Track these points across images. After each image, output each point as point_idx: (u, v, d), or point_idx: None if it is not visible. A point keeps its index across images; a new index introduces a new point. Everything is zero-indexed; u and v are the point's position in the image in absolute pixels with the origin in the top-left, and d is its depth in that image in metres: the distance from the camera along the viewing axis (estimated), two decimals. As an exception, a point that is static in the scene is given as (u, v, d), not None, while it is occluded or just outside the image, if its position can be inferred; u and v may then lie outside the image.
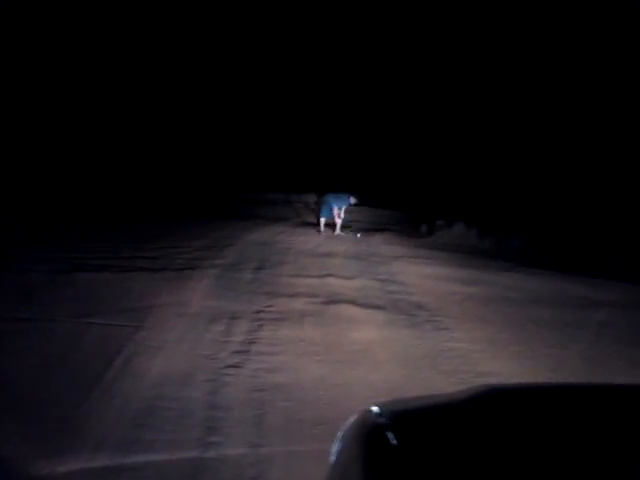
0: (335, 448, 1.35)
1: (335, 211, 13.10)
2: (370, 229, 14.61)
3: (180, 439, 3.04)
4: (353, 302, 6.42)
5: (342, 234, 13.08)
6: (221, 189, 18.77)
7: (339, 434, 1.35)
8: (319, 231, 13.13)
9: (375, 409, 1.33)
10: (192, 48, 21.34)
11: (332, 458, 1.34)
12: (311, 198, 19.40)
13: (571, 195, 17.23)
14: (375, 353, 4.77)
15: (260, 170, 22.07)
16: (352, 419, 1.36)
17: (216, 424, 3.24)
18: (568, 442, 1.21)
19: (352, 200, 13.20)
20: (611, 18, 15.18)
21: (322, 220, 13.32)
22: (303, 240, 11.49)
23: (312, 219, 15.31)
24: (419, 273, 8.73)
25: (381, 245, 11.93)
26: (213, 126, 22.25)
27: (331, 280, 7.61)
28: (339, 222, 13.28)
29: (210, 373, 3.99)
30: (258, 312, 5.69)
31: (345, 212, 13.33)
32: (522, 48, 19.21)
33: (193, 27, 21.42)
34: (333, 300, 6.42)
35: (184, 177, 19.44)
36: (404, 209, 19.38)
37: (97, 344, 4.35)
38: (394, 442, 1.15)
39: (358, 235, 13.22)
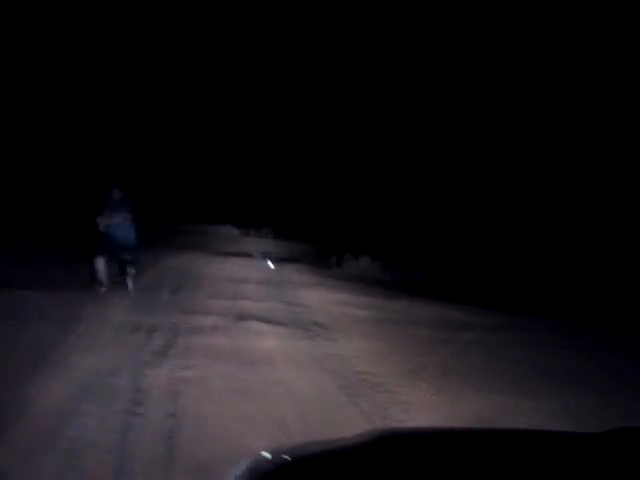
0: None
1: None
2: (283, 259, 15.65)
3: (111, 410, 3.85)
4: (261, 319, 7.36)
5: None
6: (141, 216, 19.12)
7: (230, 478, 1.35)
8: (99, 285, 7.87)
9: (266, 455, 1.33)
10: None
11: None
12: (226, 229, 20.25)
13: (472, 235, 19.04)
14: (274, 357, 5.73)
15: (180, 201, 22.66)
16: (244, 464, 1.33)
17: (139, 401, 4.06)
18: None
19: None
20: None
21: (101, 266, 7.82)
22: (219, 267, 12.31)
23: (229, 248, 16.17)
24: (322, 298, 9.82)
25: (292, 274, 12.97)
26: (134, 154, 22.63)
27: (243, 302, 8.52)
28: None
29: (133, 368, 4.78)
30: (174, 325, 6.49)
31: (261, 244, 14.17)
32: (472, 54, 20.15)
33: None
34: (243, 317, 7.33)
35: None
36: (316, 242, 20.67)
37: (37, 345, 5.02)
38: None
39: (271, 265, 14.20)
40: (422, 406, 4.79)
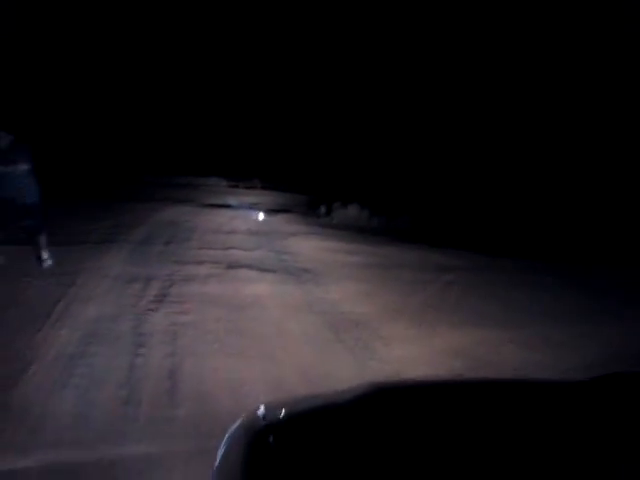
0: (220, 451, 1.35)
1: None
2: (272, 210, 15.89)
3: (116, 351, 4.21)
4: (251, 267, 7.70)
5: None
6: (126, 172, 19.23)
7: (224, 438, 1.35)
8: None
9: (260, 411, 1.34)
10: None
11: (216, 462, 1.35)
12: (213, 181, 20.34)
13: (458, 179, 19.32)
14: (265, 301, 6.10)
15: (165, 154, 22.61)
16: (238, 421, 1.35)
17: (141, 343, 4.43)
18: (452, 438, 1.22)
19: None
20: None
21: None
22: (208, 219, 12.57)
23: (217, 201, 16.38)
24: (311, 246, 10.15)
25: (281, 224, 13.26)
26: (124, 109, 22.44)
27: (233, 252, 8.83)
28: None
29: (133, 314, 5.14)
30: (169, 275, 6.82)
31: (249, 195, 14.31)
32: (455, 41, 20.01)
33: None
34: (233, 266, 7.66)
35: (94, 156, 19.63)
36: (305, 192, 20.87)
37: (42, 295, 5.35)
38: (273, 445, 1.17)
39: (261, 216, 14.46)
40: (402, 340, 5.22)
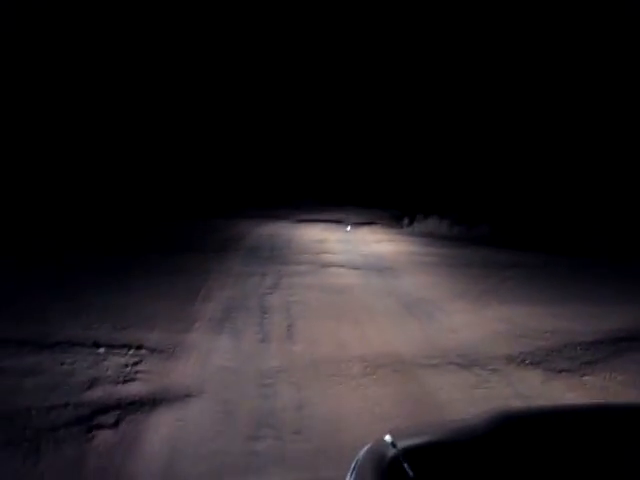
0: (348, 477, 1.40)
1: None
2: (359, 223, 17.63)
3: (248, 319, 6.08)
4: (340, 266, 9.46)
5: None
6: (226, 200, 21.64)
7: (353, 464, 1.39)
8: None
9: (388, 438, 1.36)
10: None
11: None
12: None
13: (534, 186, 20.07)
14: (352, 288, 7.81)
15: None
16: (365, 449, 1.38)
17: (266, 312, 6.28)
18: (589, 466, 1.22)
19: None
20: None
21: None
22: (302, 232, 14.52)
23: (309, 217, 18.38)
24: (391, 250, 11.77)
25: (366, 234, 14.97)
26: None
27: (325, 255, 10.63)
28: None
29: (256, 296, 7.03)
30: (278, 271, 8.71)
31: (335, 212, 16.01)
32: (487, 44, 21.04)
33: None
34: (325, 265, 9.45)
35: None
36: (389, 207, 22.43)
37: (188, 286, 7.39)
38: (411, 474, 1.17)
39: (348, 228, 16.22)
40: (459, 312, 6.71)
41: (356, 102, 26.46)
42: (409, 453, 1.25)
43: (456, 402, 4.14)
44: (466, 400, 4.20)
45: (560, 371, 5.00)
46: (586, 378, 4.88)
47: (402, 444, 1.30)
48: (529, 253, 12.12)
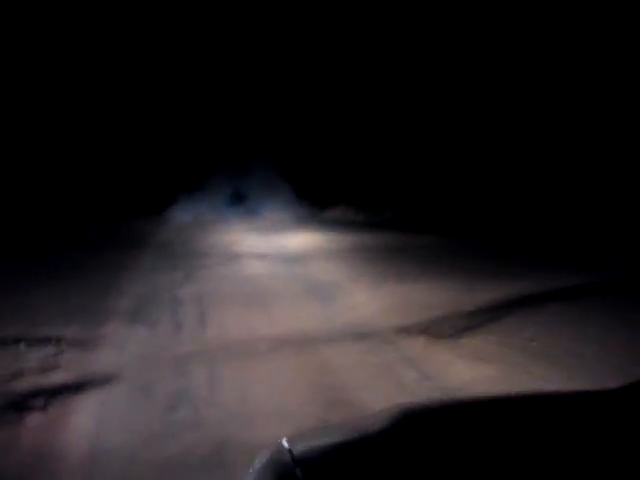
0: None
1: None
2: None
3: (163, 307, 6.49)
4: (249, 256, 10.01)
5: None
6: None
7: (249, 471, 1.36)
8: None
9: (285, 443, 1.34)
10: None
11: None
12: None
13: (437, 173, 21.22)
14: (259, 276, 8.39)
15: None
16: (262, 455, 1.36)
17: (180, 302, 6.72)
18: (488, 459, 1.22)
19: None
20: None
21: None
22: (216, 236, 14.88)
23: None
24: (298, 240, 12.46)
25: (276, 224, 15.59)
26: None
27: (232, 246, 11.16)
28: None
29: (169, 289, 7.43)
30: (190, 265, 9.10)
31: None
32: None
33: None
34: (236, 257, 9.97)
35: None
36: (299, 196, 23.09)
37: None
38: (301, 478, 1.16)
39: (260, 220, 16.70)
40: (357, 291, 7.48)
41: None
42: (304, 457, 1.24)
43: (348, 367, 4.85)
44: (357, 364, 4.92)
45: (442, 336, 5.84)
46: (463, 340, 5.74)
47: (298, 448, 1.29)
48: (427, 235, 13.18)
